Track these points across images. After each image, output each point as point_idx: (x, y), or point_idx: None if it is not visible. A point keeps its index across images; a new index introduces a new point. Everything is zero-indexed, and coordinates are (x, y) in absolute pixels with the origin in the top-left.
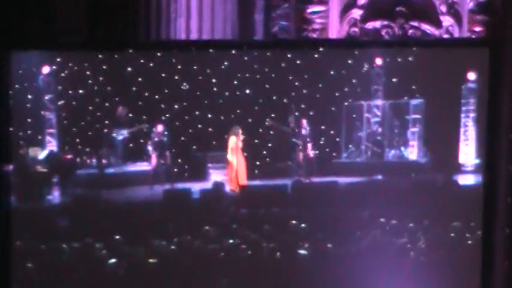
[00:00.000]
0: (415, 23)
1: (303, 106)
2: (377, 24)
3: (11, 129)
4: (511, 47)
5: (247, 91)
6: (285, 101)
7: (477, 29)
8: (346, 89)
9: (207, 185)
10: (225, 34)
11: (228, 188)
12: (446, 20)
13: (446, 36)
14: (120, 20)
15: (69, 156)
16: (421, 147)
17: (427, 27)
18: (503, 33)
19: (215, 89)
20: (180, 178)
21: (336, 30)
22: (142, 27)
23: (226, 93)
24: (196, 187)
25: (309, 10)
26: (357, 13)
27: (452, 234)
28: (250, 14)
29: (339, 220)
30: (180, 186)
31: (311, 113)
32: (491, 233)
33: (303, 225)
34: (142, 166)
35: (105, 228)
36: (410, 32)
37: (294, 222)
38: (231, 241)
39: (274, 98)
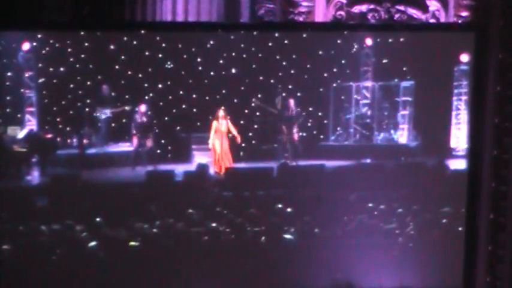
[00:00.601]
0: (401, 7)
1: (290, 87)
2: (363, 8)
3: None
4: (495, 31)
5: (233, 71)
6: (271, 81)
7: (463, 13)
8: (334, 70)
9: (191, 167)
10: (211, 16)
11: (212, 170)
12: (433, 5)
13: (432, 20)
14: (106, 0)
15: (49, 136)
16: (411, 131)
17: (413, 12)
18: (489, 17)
19: (200, 68)
20: (163, 159)
21: (322, 14)
22: (128, 8)
23: (212, 73)
24: (179, 169)
25: None
26: None
27: (443, 220)
28: None
29: (326, 204)
30: (163, 168)
31: (298, 94)
32: (475, 218)
33: (289, 209)
34: (124, 147)
35: (86, 210)
36: (396, 16)
37: (279, 205)
38: (214, 224)
39: (261, 78)
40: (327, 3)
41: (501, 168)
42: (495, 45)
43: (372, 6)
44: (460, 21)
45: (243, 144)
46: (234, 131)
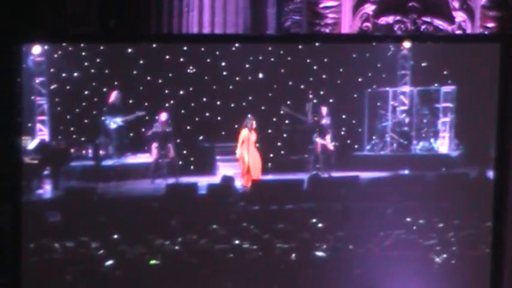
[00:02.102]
0: (427, 19)
1: (321, 93)
2: (390, 19)
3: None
4: None
5: (260, 75)
6: (302, 86)
7: (489, 24)
8: (369, 74)
9: (215, 179)
10: (238, 28)
11: (238, 183)
12: (459, 16)
13: (458, 31)
14: (132, 12)
15: (62, 146)
16: (452, 139)
17: (439, 23)
18: None
19: (225, 73)
20: (185, 171)
21: (348, 25)
22: (154, 20)
23: (237, 78)
24: (203, 181)
25: (322, 5)
26: (369, 8)
27: (487, 236)
28: (262, 8)
29: (361, 218)
30: (185, 181)
31: (331, 100)
32: (501, 229)
33: (320, 224)
34: (143, 158)
35: (102, 226)
36: (423, 27)
37: (310, 220)
38: (240, 241)
39: (290, 83)
40: (353, 15)
41: None
42: None
43: (398, 18)
44: (486, 33)
45: (271, 155)
46: (261, 141)
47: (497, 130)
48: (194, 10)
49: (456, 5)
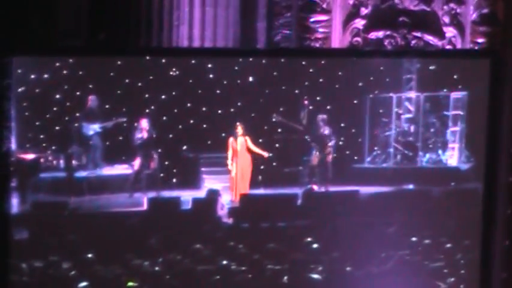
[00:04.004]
0: (417, 34)
1: (318, 98)
2: (380, 34)
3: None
4: None
5: (250, 79)
6: (296, 91)
7: (480, 40)
8: (371, 78)
9: (200, 193)
10: (227, 42)
11: (225, 198)
12: (449, 31)
13: (449, 47)
14: (122, 26)
15: (30, 156)
16: (463, 151)
17: (430, 38)
18: (505, 44)
19: (211, 75)
20: (167, 184)
21: (338, 40)
22: (144, 33)
23: (225, 82)
24: (186, 196)
25: (312, 19)
26: (359, 23)
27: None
28: (252, 22)
29: (361, 238)
30: (167, 195)
31: (328, 107)
32: (490, 244)
33: (315, 244)
34: (121, 169)
35: (75, 244)
36: (413, 42)
37: (305, 239)
38: (227, 262)
39: (283, 87)
40: (343, 30)
41: None
42: (511, 72)
43: (388, 33)
44: (476, 48)
45: (262, 167)
46: (256, 150)
47: (486, 147)
48: (184, 24)
49: (446, 20)
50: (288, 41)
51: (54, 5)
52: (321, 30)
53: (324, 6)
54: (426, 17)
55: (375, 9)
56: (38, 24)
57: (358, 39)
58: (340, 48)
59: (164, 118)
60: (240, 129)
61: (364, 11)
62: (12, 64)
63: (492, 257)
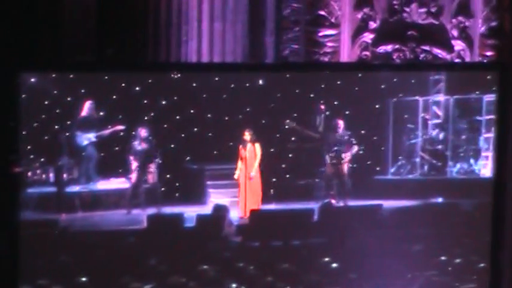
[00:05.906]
0: (426, 47)
1: (335, 103)
2: (388, 48)
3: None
4: None
5: (260, 82)
6: (311, 95)
7: (488, 53)
8: (394, 80)
9: (206, 209)
10: (236, 56)
11: (234, 214)
12: (458, 44)
13: (457, 60)
14: (130, 41)
15: (16, 169)
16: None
17: (438, 51)
18: None
19: (216, 78)
20: (169, 200)
21: (347, 54)
22: (152, 49)
23: (232, 85)
24: (190, 212)
25: (321, 34)
26: (368, 37)
27: None
28: (260, 37)
29: (384, 257)
30: (168, 211)
31: (347, 112)
32: (499, 254)
33: (334, 264)
34: (117, 183)
35: (66, 266)
36: (421, 56)
37: (322, 259)
38: (236, 285)
39: (297, 91)
40: (352, 44)
41: None
42: None
43: (397, 46)
44: (484, 61)
45: (274, 179)
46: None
47: (495, 162)
48: (193, 39)
49: (455, 33)
50: (296, 56)
51: (62, 20)
52: (329, 44)
53: (333, 20)
54: (435, 30)
55: (383, 23)
56: (45, 40)
57: (367, 53)
58: (348, 62)
59: (165, 126)
60: (248, 137)
61: (372, 24)
62: (20, 80)
63: (502, 268)
